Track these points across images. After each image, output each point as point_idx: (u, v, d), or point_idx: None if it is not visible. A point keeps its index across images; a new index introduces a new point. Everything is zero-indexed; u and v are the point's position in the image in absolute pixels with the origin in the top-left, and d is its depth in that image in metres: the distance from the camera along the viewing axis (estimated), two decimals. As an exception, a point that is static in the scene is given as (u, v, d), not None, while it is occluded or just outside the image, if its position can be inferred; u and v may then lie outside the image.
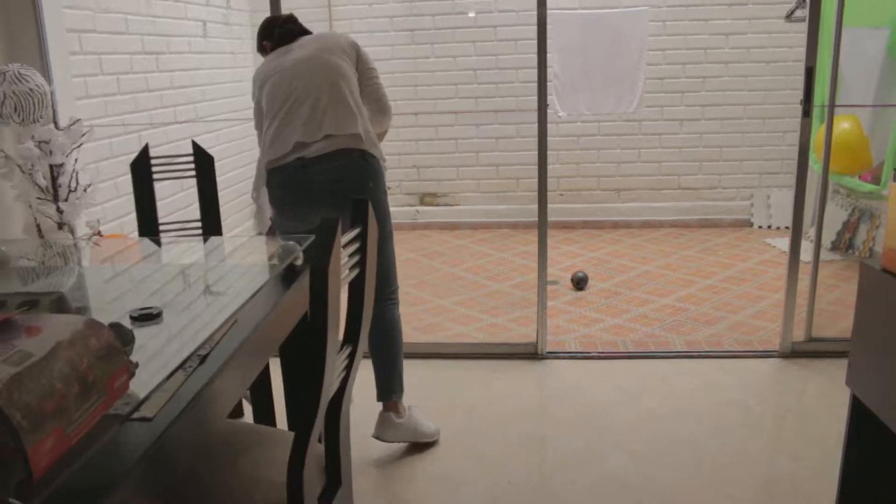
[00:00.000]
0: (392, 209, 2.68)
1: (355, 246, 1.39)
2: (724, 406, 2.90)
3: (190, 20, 4.63)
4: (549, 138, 5.70)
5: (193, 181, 2.65)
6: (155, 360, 1.29)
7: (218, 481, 1.41)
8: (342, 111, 2.45)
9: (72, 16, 3.38)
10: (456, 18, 5.53)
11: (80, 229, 3.09)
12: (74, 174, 2.95)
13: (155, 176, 2.61)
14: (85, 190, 3.04)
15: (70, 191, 2.95)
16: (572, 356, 3.34)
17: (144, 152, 2.58)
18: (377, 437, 2.62)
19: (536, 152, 3.43)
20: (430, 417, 2.79)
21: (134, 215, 2.71)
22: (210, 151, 2.70)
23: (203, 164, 2.58)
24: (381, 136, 2.71)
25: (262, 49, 2.71)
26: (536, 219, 3.37)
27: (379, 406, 2.66)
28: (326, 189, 2.46)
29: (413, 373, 3.30)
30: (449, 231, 5.90)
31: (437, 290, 4.48)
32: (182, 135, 4.37)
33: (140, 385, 1.10)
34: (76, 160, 3.01)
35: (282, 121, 2.48)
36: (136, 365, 1.12)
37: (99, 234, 3.17)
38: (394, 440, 2.63)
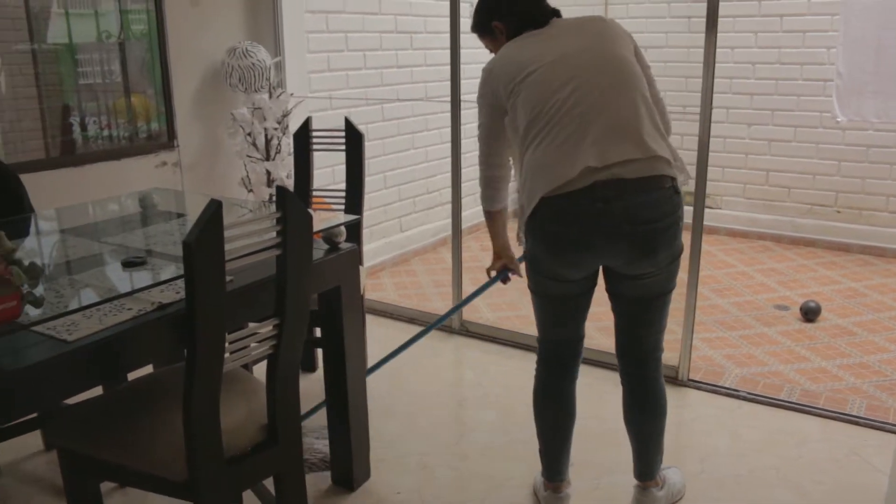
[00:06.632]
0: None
1: (277, 228, 1.50)
2: (859, 492, 2.33)
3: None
4: (831, 146, 5.00)
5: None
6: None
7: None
8: (647, 126, 1.81)
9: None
10: (738, 6, 5.04)
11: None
12: (278, 138, 3.44)
13: (315, 147, 2.94)
14: (290, 154, 3.52)
15: (276, 152, 3.45)
16: (715, 389, 2.94)
17: (306, 125, 2.92)
18: None
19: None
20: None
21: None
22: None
23: (353, 140, 2.83)
24: None
25: (488, 32, 2.00)
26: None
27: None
28: (637, 233, 1.79)
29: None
30: (705, 235, 5.47)
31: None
32: (430, 110, 4.71)
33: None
34: (287, 126, 3.50)
35: (564, 136, 1.79)
36: (32, 295, 1.41)
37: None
38: None
